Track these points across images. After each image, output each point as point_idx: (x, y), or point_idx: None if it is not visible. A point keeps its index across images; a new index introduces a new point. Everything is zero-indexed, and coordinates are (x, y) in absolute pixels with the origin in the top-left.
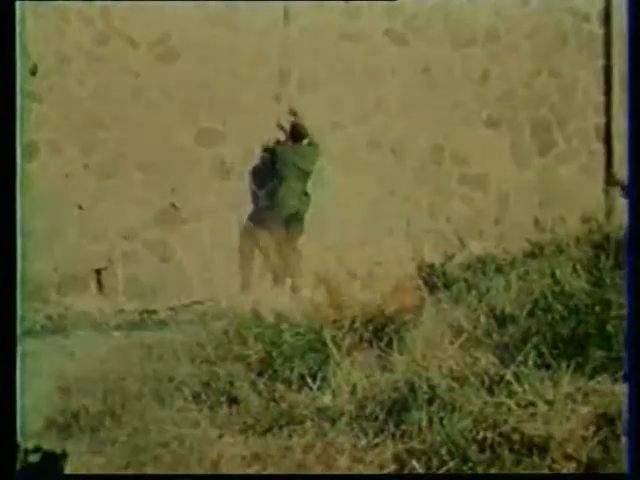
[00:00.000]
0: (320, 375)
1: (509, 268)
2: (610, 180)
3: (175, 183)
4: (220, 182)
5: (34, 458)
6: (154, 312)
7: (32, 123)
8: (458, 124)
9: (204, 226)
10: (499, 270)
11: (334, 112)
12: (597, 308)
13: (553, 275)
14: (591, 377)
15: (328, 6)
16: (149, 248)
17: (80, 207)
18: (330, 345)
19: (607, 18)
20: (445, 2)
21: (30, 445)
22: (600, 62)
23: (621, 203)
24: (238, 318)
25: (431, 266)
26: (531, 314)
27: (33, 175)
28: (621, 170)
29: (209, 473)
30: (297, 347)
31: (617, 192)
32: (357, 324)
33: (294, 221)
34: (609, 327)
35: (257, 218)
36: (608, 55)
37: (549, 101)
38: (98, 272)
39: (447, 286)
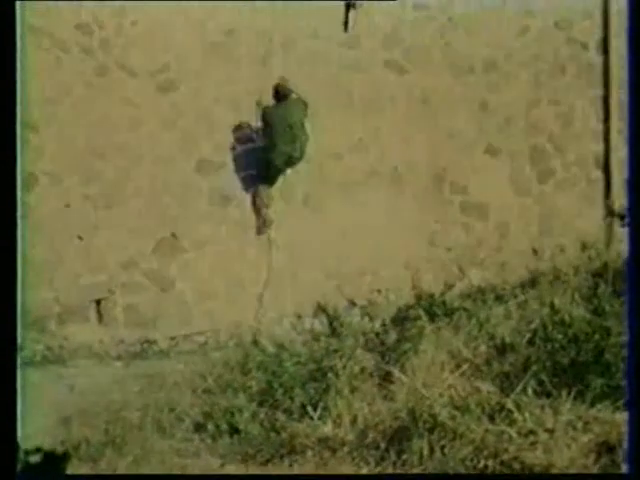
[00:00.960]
0: (321, 404)
1: (509, 297)
2: (609, 208)
3: (175, 213)
4: (220, 211)
5: (34, 459)
6: (154, 342)
7: (31, 154)
8: (457, 153)
9: (204, 256)
10: (499, 299)
11: (333, 141)
12: (596, 336)
13: (552, 304)
14: (591, 405)
15: (327, 36)
16: (149, 278)
17: (80, 237)
18: (331, 374)
19: (605, 47)
20: (443, 32)
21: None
22: (598, 91)
23: (620, 231)
24: (239, 348)
25: (431, 295)
26: (531, 343)
27: (32, 205)
28: (620, 198)
29: (209, 473)
30: (298, 376)
31: (616, 220)
32: (358, 353)
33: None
34: (608, 355)
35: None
36: (606, 84)
37: (548, 129)
38: (98, 302)
39: (447, 315)
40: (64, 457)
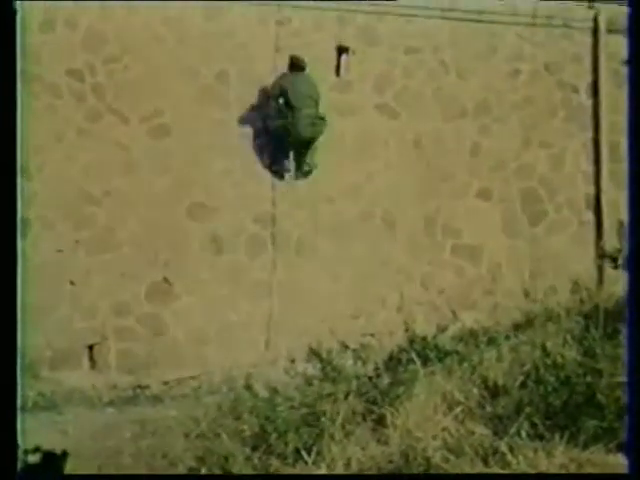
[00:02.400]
0: (315, 449)
1: (501, 339)
2: (600, 250)
3: (167, 258)
4: (212, 256)
5: (34, 458)
6: (147, 387)
7: (24, 199)
8: (449, 196)
9: (197, 300)
10: (491, 342)
11: (326, 185)
12: (588, 378)
13: (544, 346)
14: (585, 447)
15: (319, 80)
16: (142, 323)
17: (72, 282)
18: (324, 419)
19: (595, 90)
20: (435, 76)
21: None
22: (589, 133)
23: (612, 273)
24: (232, 392)
25: (424, 338)
26: (523, 385)
27: (25, 251)
28: (611, 240)
29: (209, 473)
30: (291, 421)
31: (607, 262)
32: (351, 397)
33: (307, 146)
34: (601, 397)
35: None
36: (597, 126)
37: (539, 172)
38: (90, 347)
39: (440, 358)
40: (63, 457)
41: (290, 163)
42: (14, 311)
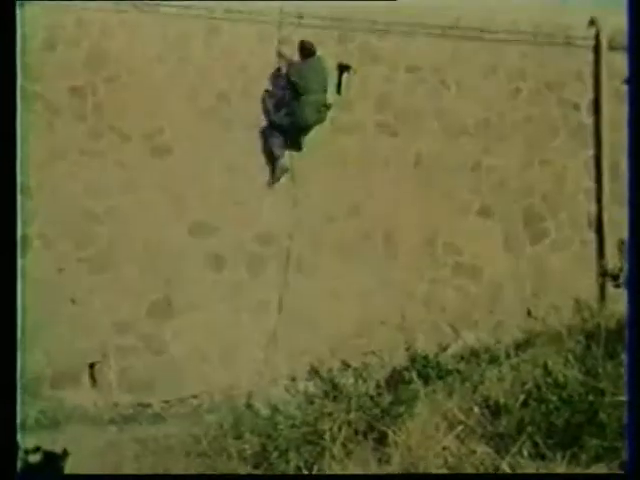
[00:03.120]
0: (316, 468)
1: (503, 358)
2: (602, 268)
3: (168, 276)
4: (213, 275)
5: (34, 458)
6: (148, 406)
7: (25, 218)
8: (451, 214)
9: (198, 319)
10: (493, 360)
11: (327, 204)
12: (590, 397)
13: (546, 365)
14: (586, 466)
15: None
16: (143, 341)
17: (73, 301)
18: (325, 437)
19: (597, 108)
20: (436, 94)
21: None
22: (590, 151)
23: (613, 291)
24: (233, 411)
25: (425, 357)
26: (525, 404)
27: (26, 269)
28: (613, 258)
29: (209, 473)
30: (292, 440)
31: (609, 280)
32: (352, 416)
33: (307, 131)
34: (603, 416)
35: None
36: (598, 144)
37: (540, 190)
38: (91, 366)
39: (441, 377)
40: (64, 456)
41: (286, 162)
42: (14, 328)
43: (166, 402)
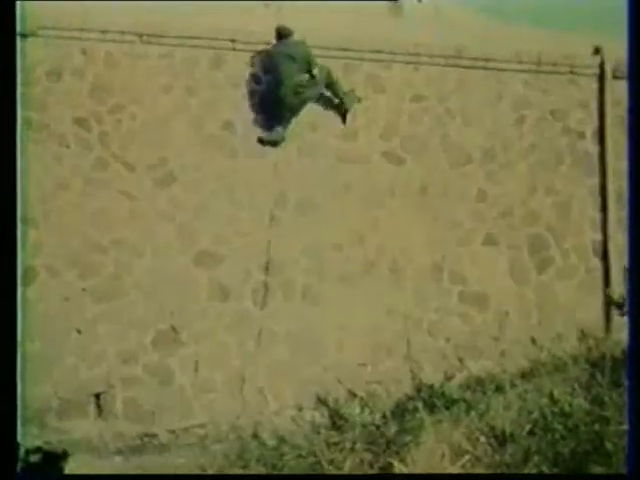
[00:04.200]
0: None
1: (508, 387)
2: (608, 297)
3: (174, 306)
4: (219, 304)
5: (34, 458)
6: (154, 436)
7: (30, 248)
8: (456, 243)
9: (203, 348)
10: (498, 389)
11: (332, 233)
12: (596, 426)
13: (552, 394)
14: None
15: (324, 127)
16: (148, 371)
17: (79, 331)
18: (331, 467)
19: (601, 136)
20: (441, 123)
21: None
22: (595, 179)
23: (619, 320)
24: (239, 441)
25: (431, 386)
26: (531, 433)
27: (32, 299)
28: (619, 287)
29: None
30: (298, 470)
31: (615, 309)
32: (358, 446)
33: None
34: (609, 445)
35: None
36: (603, 172)
37: (546, 219)
38: (97, 396)
39: (447, 407)
40: (64, 456)
41: (282, 131)
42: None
43: (172, 432)
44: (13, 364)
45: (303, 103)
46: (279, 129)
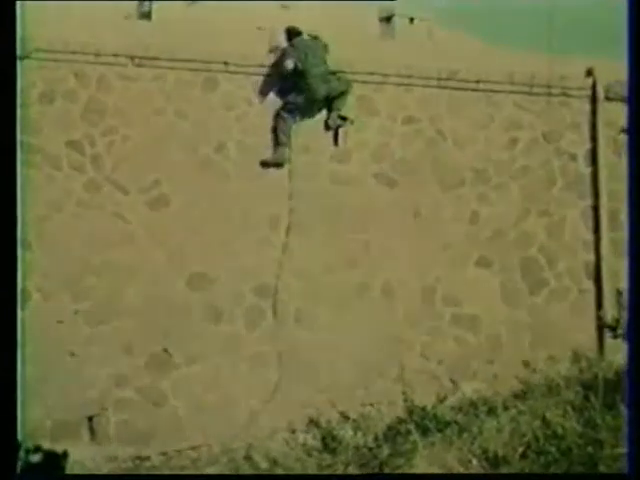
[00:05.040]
0: None
1: (501, 410)
2: (600, 319)
3: (167, 328)
4: (212, 327)
5: (34, 458)
6: (147, 458)
7: (24, 270)
8: (449, 265)
9: (196, 371)
10: (491, 412)
11: (325, 255)
12: (589, 449)
13: (544, 417)
14: None
15: (317, 150)
16: (141, 394)
17: (72, 354)
18: None
19: (594, 158)
20: (433, 145)
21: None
22: (588, 201)
23: (611, 342)
24: (232, 463)
25: (423, 409)
26: (524, 456)
27: (25, 322)
28: (611, 309)
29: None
30: None
31: (607, 331)
32: (350, 468)
33: (329, 104)
34: (602, 467)
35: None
36: (596, 194)
37: (538, 241)
38: (90, 419)
39: (440, 429)
40: (64, 456)
41: (286, 152)
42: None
43: (165, 454)
44: (13, 363)
45: (329, 95)
46: (283, 150)
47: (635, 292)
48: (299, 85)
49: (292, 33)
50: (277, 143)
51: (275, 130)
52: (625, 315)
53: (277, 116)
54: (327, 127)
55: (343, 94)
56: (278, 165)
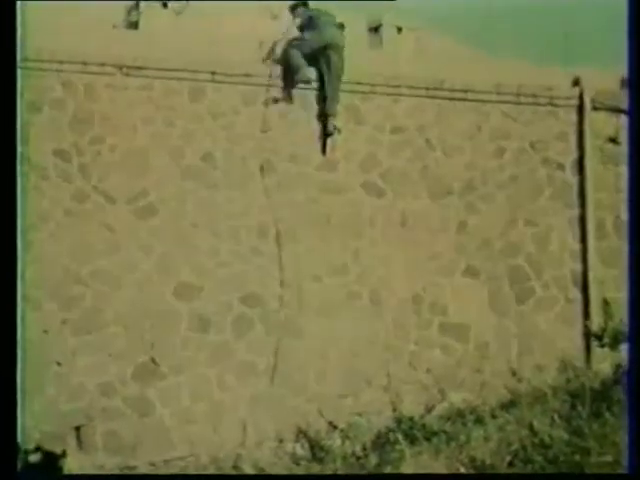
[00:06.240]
0: None
1: (488, 419)
2: (587, 328)
3: (154, 338)
4: (199, 336)
5: (34, 458)
6: (134, 468)
7: None
8: (436, 274)
9: (184, 381)
10: (479, 421)
11: (312, 264)
12: (577, 457)
13: (531, 426)
14: None
15: (305, 159)
16: (128, 404)
17: (58, 363)
18: None
19: (581, 167)
20: (421, 154)
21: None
22: (575, 210)
23: (598, 351)
24: (219, 473)
25: (411, 418)
26: (511, 465)
27: None
28: (598, 317)
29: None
30: None
31: (594, 340)
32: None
33: (333, 52)
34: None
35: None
36: (583, 203)
37: (526, 250)
38: (77, 429)
39: (427, 438)
40: (64, 456)
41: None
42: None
43: (152, 464)
44: (13, 362)
45: (333, 42)
46: (303, 70)
47: (635, 293)
48: (315, 27)
49: (296, 6)
50: (295, 69)
51: (287, 61)
52: (611, 324)
53: (286, 51)
54: (326, 133)
55: (339, 49)
56: (306, 82)
